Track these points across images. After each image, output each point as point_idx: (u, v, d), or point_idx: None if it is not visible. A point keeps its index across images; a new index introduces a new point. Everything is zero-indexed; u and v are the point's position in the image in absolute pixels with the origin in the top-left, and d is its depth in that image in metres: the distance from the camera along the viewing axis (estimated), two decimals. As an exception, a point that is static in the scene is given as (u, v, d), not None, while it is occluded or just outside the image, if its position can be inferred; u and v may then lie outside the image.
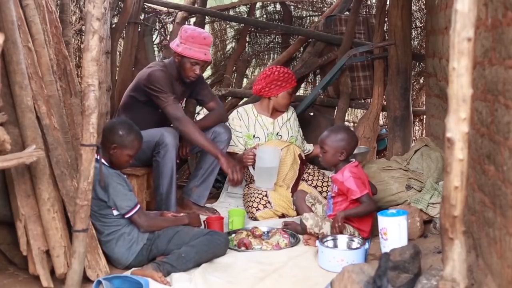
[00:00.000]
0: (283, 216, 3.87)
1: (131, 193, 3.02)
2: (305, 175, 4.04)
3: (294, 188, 3.94)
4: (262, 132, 4.15)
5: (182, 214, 3.33)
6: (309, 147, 4.35)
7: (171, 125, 3.81)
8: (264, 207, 3.84)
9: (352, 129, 4.71)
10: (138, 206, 2.99)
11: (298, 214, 3.74)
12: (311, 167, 4.13)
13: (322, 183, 4.00)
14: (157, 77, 3.71)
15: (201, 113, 5.82)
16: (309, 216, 3.22)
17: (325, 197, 3.83)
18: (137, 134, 3.11)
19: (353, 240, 3.12)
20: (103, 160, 2.93)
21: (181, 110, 3.77)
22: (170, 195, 3.66)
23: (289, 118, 4.26)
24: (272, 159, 3.79)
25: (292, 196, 3.86)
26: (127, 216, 2.96)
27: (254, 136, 4.15)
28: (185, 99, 4.08)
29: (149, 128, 3.66)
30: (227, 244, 3.14)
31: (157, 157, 3.66)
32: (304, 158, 4.08)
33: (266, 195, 3.87)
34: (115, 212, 2.97)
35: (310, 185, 4.00)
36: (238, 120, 4.19)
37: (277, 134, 4.16)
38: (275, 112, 4.22)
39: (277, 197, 3.87)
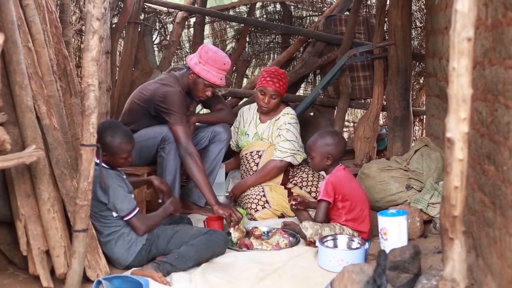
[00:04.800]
0: (282, 216, 3.87)
1: (131, 195, 3.01)
2: (298, 180, 4.01)
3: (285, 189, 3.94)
4: (252, 130, 4.17)
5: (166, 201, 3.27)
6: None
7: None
8: (263, 207, 3.84)
9: (348, 133, 4.71)
10: (137, 209, 2.98)
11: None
12: (306, 170, 4.06)
13: (317, 188, 3.94)
14: (173, 99, 3.61)
15: (201, 113, 5.81)
16: (308, 225, 3.22)
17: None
18: (123, 136, 3.00)
19: (353, 240, 3.13)
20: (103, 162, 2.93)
21: (191, 138, 3.65)
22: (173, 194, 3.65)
23: (274, 123, 4.10)
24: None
25: (287, 197, 3.86)
26: (125, 218, 2.95)
27: (245, 133, 4.19)
28: (190, 108, 4.04)
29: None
30: (226, 243, 3.14)
31: (161, 152, 3.65)
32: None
33: (264, 195, 3.87)
34: (114, 214, 2.96)
35: (304, 190, 3.97)
36: (239, 117, 4.27)
37: (262, 138, 4.12)
38: (268, 114, 4.15)
39: (275, 196, 3.87)
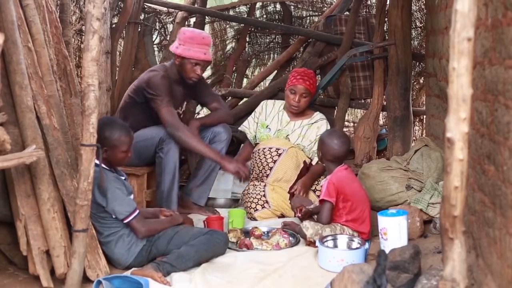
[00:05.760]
0: (282, 216, 3.86)
1: (130, 198, 3.00)
2: None
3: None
4: (275, 126, 4.20)
5: (174, 213, 3.28)
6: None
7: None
8: (262, 207, 3.84)
9: (348, 134, 4.72)
10: (137, 211, 2.97)
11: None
12: None
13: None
14: (156, 82, 3.68)
15: (201, 113, 5.83)
16: (309, 225, 3.22)
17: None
18: (121, 129, 3.03)
19: (353, 240, 3.13)
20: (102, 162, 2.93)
21: (175, 116, 3.70)
22: (172, 193, 3.65)
23: (310, 124, 4.15)
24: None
25: (289, 199, 3.86)
26: (125, 221, 2.94)
27: (267, 126, 4.21)
28: (185, 103, 4.05)
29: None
30: (226, 243, 3.14)
31: (160, 153, 3.66)
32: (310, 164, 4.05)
33: (264, 195, 3.87)
34: (104, 217, 2.95)
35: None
36: (260, 108, 4.31)
37: (287, 136, 4.14)
38: (297, 114, 4.20)
39: (275, 197, 3.87)
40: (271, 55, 6.46)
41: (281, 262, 2.99)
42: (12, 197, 2.67)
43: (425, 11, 5.22)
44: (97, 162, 2.73)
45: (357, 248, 3.01)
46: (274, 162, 3.96)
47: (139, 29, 5.46)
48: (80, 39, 5.24)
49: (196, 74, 3.76)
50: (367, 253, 3.05)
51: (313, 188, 3.97)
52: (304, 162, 4.01)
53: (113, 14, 5.06)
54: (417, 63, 5.79)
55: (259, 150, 4.08)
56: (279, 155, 3.98)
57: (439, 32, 3.70)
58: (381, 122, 5.54)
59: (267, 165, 3.97)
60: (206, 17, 5.91)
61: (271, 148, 4.02)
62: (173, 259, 2.87)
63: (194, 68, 3.74)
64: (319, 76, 5.81)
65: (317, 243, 3.03)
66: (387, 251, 2.50)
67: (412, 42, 5.09)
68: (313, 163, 4.02)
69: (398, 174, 3.68)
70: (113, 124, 3.04)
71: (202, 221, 3.52)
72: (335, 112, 5.43)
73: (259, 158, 4.03)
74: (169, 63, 3.91)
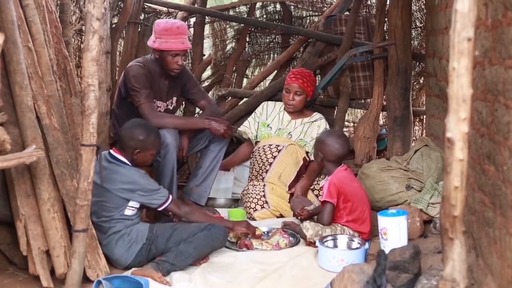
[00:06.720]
0: (281, 216, 3.87)
1: (161, 186, 3.12)
2: None
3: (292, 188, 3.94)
4: (276, 125, 4.25)
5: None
6: None
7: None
8: (262, 207, 3.84)
9: (348, 134, 4.72)
10: (171, 196, 3.08)
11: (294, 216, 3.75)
12: None
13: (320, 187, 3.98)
14: (132, 74, 3.73)
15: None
16: (309, 226, 3.22)
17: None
18: (155, 133, 3.19)
19: (353, 240, 3.13)
20: (126, 160, 3.04)
21: (154, 109, 3.75)
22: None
23: (310, 122, 4.21)
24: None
25: (289, 200, 3.87)
26: (163, 207, 3.04)
27: (268, 125, 4.26)
28: (175, 98, 4.05)
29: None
30: (225, 236, 3.14)
31: (157, 157, 3.66)
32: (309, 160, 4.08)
33: (264, 195, 3.87)
34: (117, 214, 2.98)
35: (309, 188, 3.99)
36: (261, 109, 4.37)
37: (289, 133, 4.19)
38: (295, 113, 4.24)
39: (275, 198, 3.87)
40: (271, 55, 6.45)
41: (281, 262, 2.99)
42: (12, 197, 2.67)
43: (425, 11, 5.22)
44: (123, 159, 3.00)
45: (357, 248, 3.01)
46: (274, 158, 3.99)
47: (139, 29, 5.45)
48: (80, 39, 5.23)
49: (177, 65, 3.77)
50: (367, 253, 3.05)
51: (311, 187, 3.97)
52: (304, 159, 4.03)
53: (113, 14, 5.05)
54: (417, 63, 5.79)
55: (259, 148, 4.12)
56: (279, 151, 4.01)
57: (439, 32, 3.70)
58: (381, 122, 5.53)
59: (266, 161, 4.00)
60: (206, 17, 5.90)
61: (271, 145, 4.07)
62: (172, 257, 2.87)
63: (175, 59, 3.74)
64: (319, 76, 5.82)
65: (317, 243, 3.03)
66: (387, 251, 2.50)
67: (412, 42, 5.09)
68: (308, 158, 4.06)
69: (398, 174, 3.68)
70: (149, 129, 3.17)
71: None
72: (335, 112, 5.43)
73: (259, 155, 4.07)
74: (150, 56, 3.92)
